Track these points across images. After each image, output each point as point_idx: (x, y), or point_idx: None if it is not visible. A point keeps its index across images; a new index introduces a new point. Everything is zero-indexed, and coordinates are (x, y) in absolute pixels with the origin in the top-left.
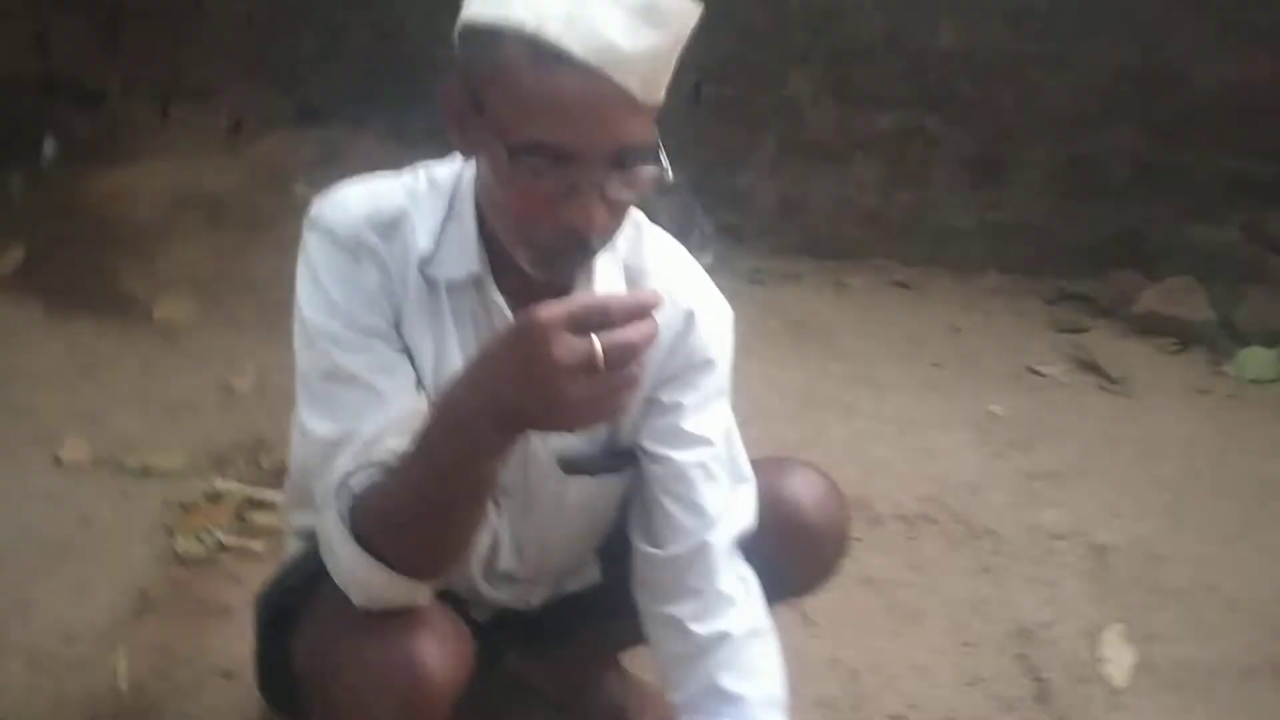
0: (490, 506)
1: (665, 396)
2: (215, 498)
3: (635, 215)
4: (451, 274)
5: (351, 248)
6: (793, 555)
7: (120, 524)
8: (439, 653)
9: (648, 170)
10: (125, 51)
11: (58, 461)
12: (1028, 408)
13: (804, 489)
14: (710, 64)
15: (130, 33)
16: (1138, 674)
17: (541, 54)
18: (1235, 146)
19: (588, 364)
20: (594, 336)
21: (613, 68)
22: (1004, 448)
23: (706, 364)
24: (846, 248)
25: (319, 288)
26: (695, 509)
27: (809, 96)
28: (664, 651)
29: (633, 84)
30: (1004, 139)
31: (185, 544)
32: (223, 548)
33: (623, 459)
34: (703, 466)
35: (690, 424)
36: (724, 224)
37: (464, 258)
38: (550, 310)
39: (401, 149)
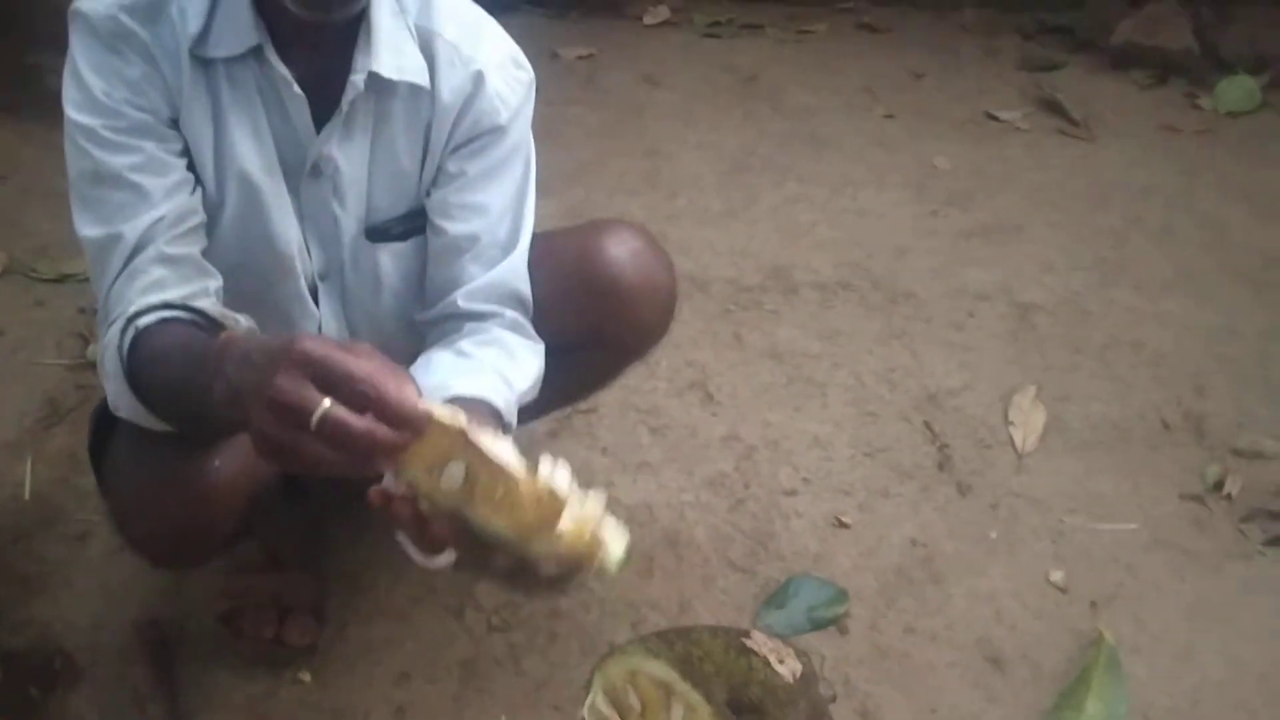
0: (309, 299)
1: (452, 165)
2: None
3: None
4: (228, 50)
5: (110, 38)
6: (605, 315)
7: (32, 333)
8: (225, 462)
9: None
10: None
11: None
12: (976, 159)
13: (615, 247)
14: None
15: None
16: (1047, 437)
17: None
18: None
19: (297, 415)
20: (326, 401)
21: None
22: (941, 204)
23: (496, 130)
24: None
25: (81, 84)
26: (451, 280)
27: None
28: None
29: None
30: None
31: (95, 349)
32: None
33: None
34: (473, 238)
35: (471, 196)
36: None
37: (239, 31)
38: (309, 346)
39: None
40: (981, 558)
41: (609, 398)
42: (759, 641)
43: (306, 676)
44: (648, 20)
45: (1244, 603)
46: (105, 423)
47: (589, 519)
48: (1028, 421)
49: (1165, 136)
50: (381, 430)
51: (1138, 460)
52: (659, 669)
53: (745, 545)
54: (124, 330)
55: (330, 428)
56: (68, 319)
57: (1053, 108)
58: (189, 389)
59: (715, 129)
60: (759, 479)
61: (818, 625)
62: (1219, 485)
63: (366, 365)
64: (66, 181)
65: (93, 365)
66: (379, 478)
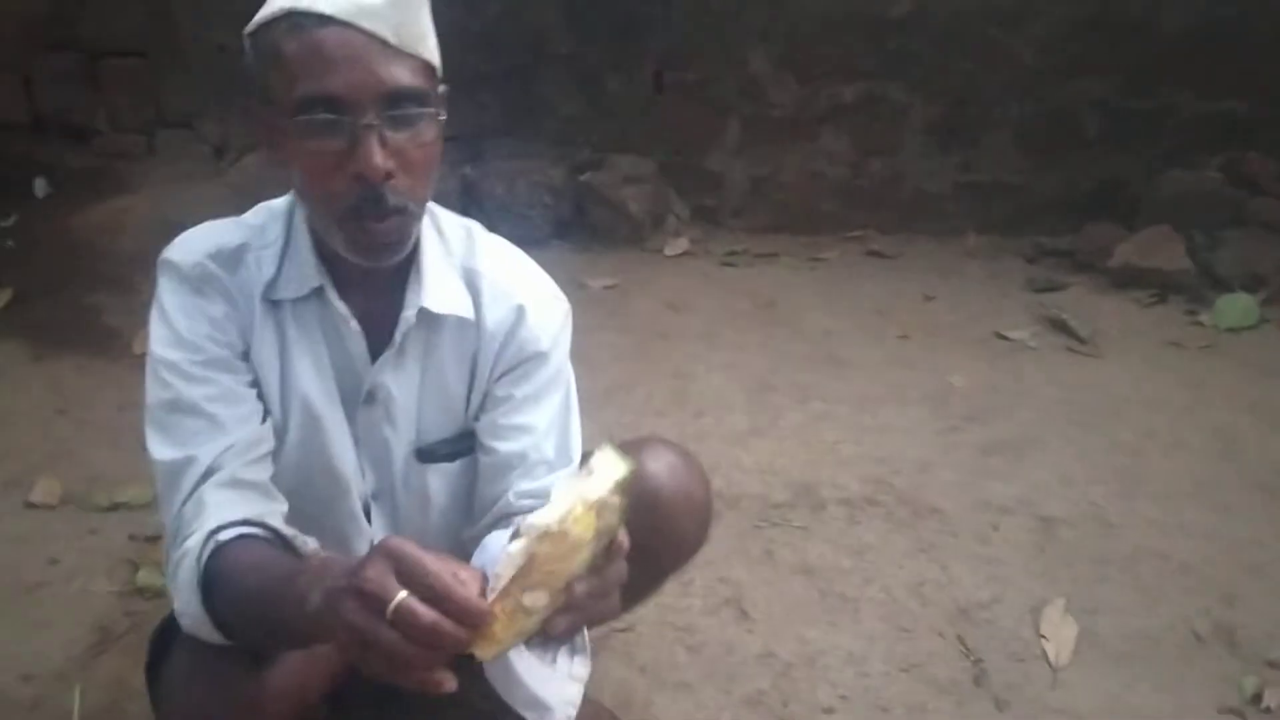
0: (362, 518)
1: (500, 390)
2: None
3: (469, 223)
4: (295, 292)
5: (197, 282)
6: (645, 528)
7: (85, 561)
8: (275, 676)
9: (425, 115)
10: (108, 87)
11: (29, 504)
12: (989, 376)
13: (652, 463)
14: (668, 50)
15: (111, 69)
16: (1080, 649)
17: (299, 22)
18: (1208, 88)
19: (377, 602)
20: (403, 592)
21: (362, 17)
22: (959, 421)
23: (538, 356)
24: (821, 222)
25: (166, 323)
26: (501, 494)
27: (770, 74)
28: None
29: (383, 30)
30: (971, 99)
31: (146, 576)
32: None
33: (474, 440)
34: (522, 455)
35: (518, 417)
36: (698, 208)
37: (304, 276)
38: (399, 544)
39: None
40: None
41: (645, 615)
42: None
43: None
44: (668, 251)
45: None
46: (164, 641)
47: (573, 525)
48: (1059, 634)
49: (1170, 352)
50: (447, 625)
51: (1172, 673)
52: None
53: None
54: (205, 542)
55: (402, 616)
56: (119, 546)
57: (1059, 326)
58: (275, 601)
59: (737, 351)
60: (797, 696)
61: None
62: (1257, 698)
63: (439, 564)
64: (121, 415)
65: (141, 592)
66: (439, 700)
